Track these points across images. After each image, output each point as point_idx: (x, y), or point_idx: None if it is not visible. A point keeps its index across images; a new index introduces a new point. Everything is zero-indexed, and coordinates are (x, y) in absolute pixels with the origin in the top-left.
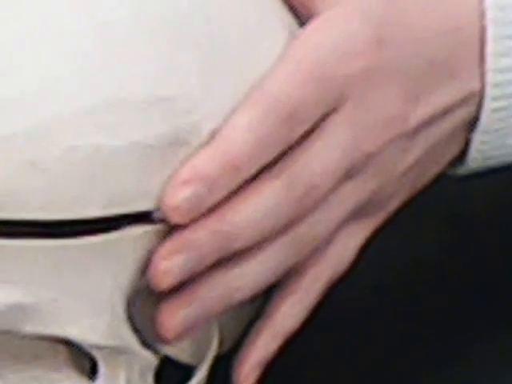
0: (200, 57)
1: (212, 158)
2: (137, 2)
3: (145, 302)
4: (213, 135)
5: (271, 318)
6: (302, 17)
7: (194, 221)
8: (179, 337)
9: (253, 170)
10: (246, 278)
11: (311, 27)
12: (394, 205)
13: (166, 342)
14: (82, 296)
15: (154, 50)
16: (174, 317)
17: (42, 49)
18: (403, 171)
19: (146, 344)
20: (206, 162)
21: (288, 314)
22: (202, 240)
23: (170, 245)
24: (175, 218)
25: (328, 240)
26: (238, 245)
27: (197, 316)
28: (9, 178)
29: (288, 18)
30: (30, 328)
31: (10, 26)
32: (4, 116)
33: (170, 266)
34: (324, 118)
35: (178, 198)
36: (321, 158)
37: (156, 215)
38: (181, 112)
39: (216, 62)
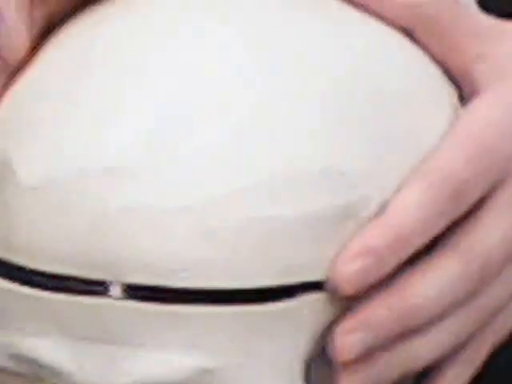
0: (369, 131)
1: (382, 232)
2: (307, 76)
3: (322, 368)
4: (381, 207)
5: (438, 376)
6: (460, 85)
7: (373, 298)
8: None
9: (420, 244)
10: (423, 349)
11: (477, 104)
12: None
13: None
14: (264, 361)
15: (327, 123)
16: (348, 381)
17: (220, 119)
18: None
19: None
20: (376, 236)
21: (454, 375)
22: (381, 318)
23: (349, 322)
24: (345, 290)
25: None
26: (416, 321)
27: (370, 382)
28: (187, 249)
29: (451, 92)
30: None
31: (185, 90)
32: (184, 187)
33: (349, 343)
34: (489, 191)
35: (348, 270)
36: (493, 231)
37: (328, 285)
38: (350, 185)
39: (383, 136)
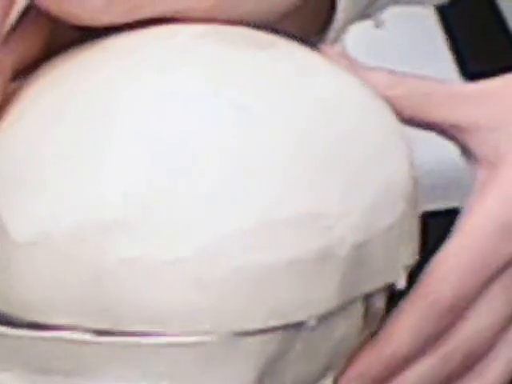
0: (340, 179)
1: (376, 359)
2: (281, 124)
3: None
4: (355, 246)
5: None
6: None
7: None
8: None
9: (411, 364)
10: None
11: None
12: None
13: None
14: None
15: (301, 170)
16: None
17: (202, 171)
18: None
19: None
20: (369, 363)
21: None
22: None
23: None
24: None
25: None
26: None
27: None
28: (177, 298)
29: (406, 145)
30: None
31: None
32: (175, 239)
33: None
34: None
35: None
36: (478, 327)
37: (309, 323)
38: (327, 227)
39: (354, 180)
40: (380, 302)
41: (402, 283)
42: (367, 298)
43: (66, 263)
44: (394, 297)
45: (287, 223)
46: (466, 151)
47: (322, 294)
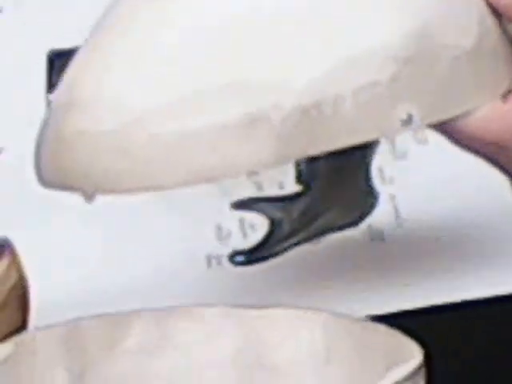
0: (278, 43)
1: None
2: None
3: None
4: (296, 109)
5: None
6: None
7: None
8: None
9: None
10: None
11: None
12: None
13: None
14: None
15: (232, 42)
16: None
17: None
18: None
19: None
20: None
21: None
22: None
23: None
24: None
25: None
26: None
27: None
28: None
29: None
30: None
31: None
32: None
33: None
34: None
35: None
36: None
37: None
38: (259, 94)
39: (292, 47)
40: None
41: None
42: None
43: None
44: None
45: (217, 91)
46: None
47: (252, 156)
